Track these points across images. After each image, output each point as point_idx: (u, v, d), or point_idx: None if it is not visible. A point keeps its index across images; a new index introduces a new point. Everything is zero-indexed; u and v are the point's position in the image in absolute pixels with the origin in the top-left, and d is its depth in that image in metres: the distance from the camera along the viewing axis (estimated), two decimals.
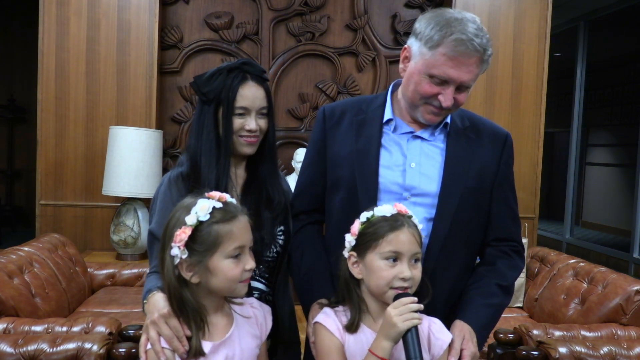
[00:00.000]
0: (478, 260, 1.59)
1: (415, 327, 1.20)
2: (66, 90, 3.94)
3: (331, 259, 1.46)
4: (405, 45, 1.47)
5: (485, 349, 2.52)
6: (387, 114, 1.51)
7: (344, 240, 1.34)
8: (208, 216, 1.21)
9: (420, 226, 1.32)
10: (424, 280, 1.32)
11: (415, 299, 1.22)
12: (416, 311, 1.21)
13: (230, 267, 1.22)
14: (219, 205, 1.23)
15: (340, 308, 1.36)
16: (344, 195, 1.49)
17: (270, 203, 1.56)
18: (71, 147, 3.95)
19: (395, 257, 1.27)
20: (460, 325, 1.40)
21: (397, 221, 1.28)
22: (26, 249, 2.90)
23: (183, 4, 4.23)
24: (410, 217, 1.31)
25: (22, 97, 7.72)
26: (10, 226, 7.68)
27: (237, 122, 1.51)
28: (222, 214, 1.22)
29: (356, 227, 1.32)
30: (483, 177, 1.49)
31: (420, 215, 1.43)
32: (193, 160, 1.53)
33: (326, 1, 4.32)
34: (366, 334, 1.30)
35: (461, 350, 1.35)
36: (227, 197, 1.26)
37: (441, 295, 1.44)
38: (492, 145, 1.51)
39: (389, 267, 1.26)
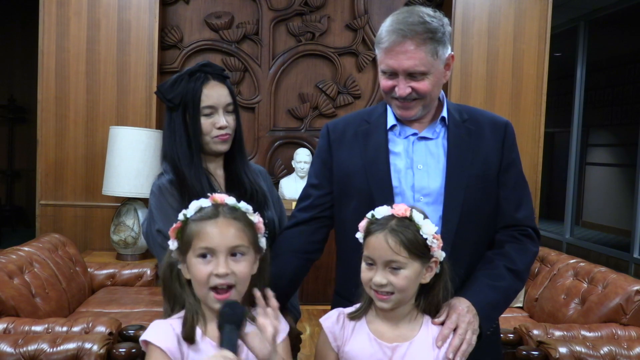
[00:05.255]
0: None
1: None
2: (66, 90, 3.94)
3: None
4: None
5: None
6: (390, 120, 1.53)
7: (359, 247, 1.33)
8: (192, 213, 1.23)
9: (422, 224, 1.27)
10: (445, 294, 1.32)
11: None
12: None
13: (198, 267, 1.20)
14: (207, 204, 1.24)
15: (352, 308, 1.36)
16: (357, 204, 1.49)
17: (244, 194, 1.60)
18: (71, 147, 3.95)
19: (371, 262, 1.27)
20: (456, 300, 1.35)
21: (375, 225, 1.27)
22: (26, 249, 2.90)
23: (183, 4, 4.23)
24: (405, 218, 1.26)
25: (22, 97, 7.72)
26: (10, 226, 7.67)
27: (207, 122, 1.56)
28: (202, 213, 1.23)
29: (363, 224, 1.32)
30: (487, 165, 1.49)
31: (436, 214, 1.44)
32: (174, 166, 1.57)
33: (326, 1, 4.32)
34: (363, 341, 1.30)
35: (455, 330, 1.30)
36: (225, 198, 1.26)
37: (455, 290, 1.41)
38: (493, 135, 1.52)
39: (367, 270, 1.27)
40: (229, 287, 1.20)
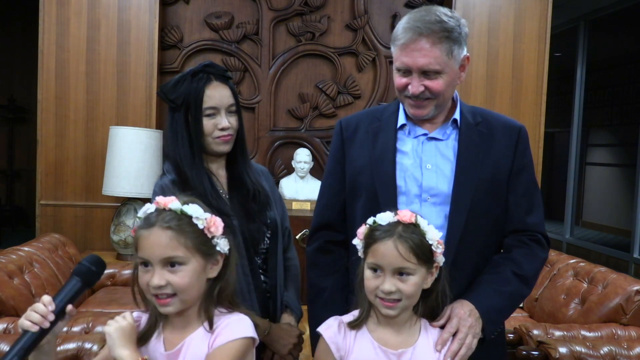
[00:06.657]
0: None
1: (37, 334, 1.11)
2: (66, 90, 3.94)
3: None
4: None
5: None
6: (401, 120, 1.53)
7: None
8: (140, 219, 1.21)
9: (427, 230, 1.27)
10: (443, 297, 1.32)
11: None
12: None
13: (141, 275, 1.19)
14: (151, 210, 1.21)
15: (349, 316, 1.35)
16: (364, 201, 1.50)
17: (247, 194, 1.62)
18: (71, 147, 3.95)
19: (377, 269, 1.25)
20: (459, 303, 1.36)
21: (380, 232, 1.26)
22: (26, 249, 2.90)
23: (183, 4, 4.23)
24: (410, 224, 1.26)
25: (22, 97, 7.72)
26: (10, 226, 7.67)
27: (209, 123, 1.55)
28: (142, 221, 1.20)
29: (362, 230, 1.31)
30: (498, 169, 1.48)
31: (442, 215, 1.44)
32: (176, 166, 1.57)
33: (326, 1, 4.31)
34: (368, 349, 1.28)
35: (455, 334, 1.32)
36: (169, 203, 1.20)
37: (459, 292, 1.42)
38: (506, 139, 1.51)
39: (372, 278, 1.26)
40: (169, 295, 1.17)
